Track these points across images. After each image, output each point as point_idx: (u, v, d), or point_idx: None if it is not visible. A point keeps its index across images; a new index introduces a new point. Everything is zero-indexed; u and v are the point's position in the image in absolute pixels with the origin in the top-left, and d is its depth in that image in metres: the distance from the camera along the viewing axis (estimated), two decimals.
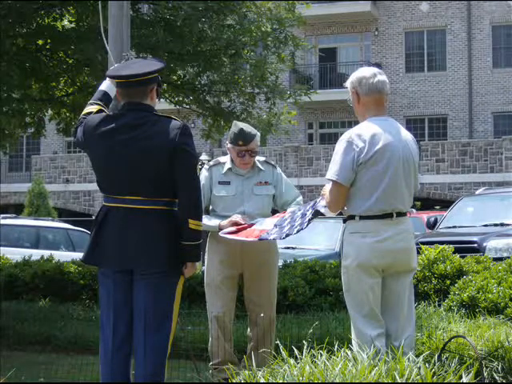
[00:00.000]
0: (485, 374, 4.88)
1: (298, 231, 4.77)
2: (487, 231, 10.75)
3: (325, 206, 4.53)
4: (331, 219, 10.57)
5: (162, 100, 10.62)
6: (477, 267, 8.28)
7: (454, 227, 11.62)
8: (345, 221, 4.43)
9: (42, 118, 11.91)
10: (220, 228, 5.39)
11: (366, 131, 4.33)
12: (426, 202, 24.96)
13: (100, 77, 8.57)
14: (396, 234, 4.33)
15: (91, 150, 4.28)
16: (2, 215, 18.73)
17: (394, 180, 4.34)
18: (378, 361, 3.60)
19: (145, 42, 9.89)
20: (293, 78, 29.68)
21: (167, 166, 4.12)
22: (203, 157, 23.62)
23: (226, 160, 5.68)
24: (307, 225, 4.74)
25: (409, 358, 3.67)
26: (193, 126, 20.27)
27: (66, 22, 10.31)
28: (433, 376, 3.48)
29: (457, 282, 7.96)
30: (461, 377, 3.60)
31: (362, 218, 4.32)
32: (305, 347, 3.82)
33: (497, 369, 5.09)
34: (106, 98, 4.51)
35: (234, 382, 3.84)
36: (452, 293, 7.83)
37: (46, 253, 12.41)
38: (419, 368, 3.51)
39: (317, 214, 4.66)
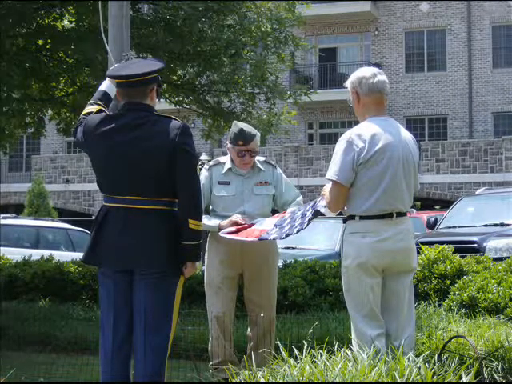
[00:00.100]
0: (485, 374, 4.88)
1: (298, 231, 4.77)
2: (487, 231, 10.73)
3: (325, 206, 4.53)
4: (331, 219, 10.55)
5: (162, 100, 10.64)
6: (477, 267, 8.28)
7: (454, 227, 11.60)
8: (345, 221, 4.43)
9: (42, 118, 11.92)
10: (220, 228, 5.39)
11: (365, 131, 4.33)
12: (425, 202, 24.95)
13: (100, 77, 8.58)
14: (396, 234, 4.33)
15: (91, 150, 4.28)
16: (2, 215, 18.73)
17: (394, 180, 4.33)
18: (378, 361, 3.60)
19: (145, 42, 9.90)
20: (293, 78, 29.69)
21: (167, 166, 4.11)
22: (203, 157, 23.62)
23: (226, 160, 5.67)
24: (307, 225, 4.74)
25: (409, 358, 3.67)
26: (193, 126, 20.27)
27: (65, 22, 10.30)
28: (433, 376, 3.48)
29: (457, 282, 7.96)
30: (461, 377, 3.60)
31: (362, 218, 4.32)
32: (305, 347, 3.82)
33: (497, 369, 5.10)
34: (105, 97, 4.50)
35: (234, 381, 3.84)
36: (452, 293, 7.83)
37: (46, 253, 12.41)
38: (419, 368, 3.51)
39: (317, 214, 4.66)
